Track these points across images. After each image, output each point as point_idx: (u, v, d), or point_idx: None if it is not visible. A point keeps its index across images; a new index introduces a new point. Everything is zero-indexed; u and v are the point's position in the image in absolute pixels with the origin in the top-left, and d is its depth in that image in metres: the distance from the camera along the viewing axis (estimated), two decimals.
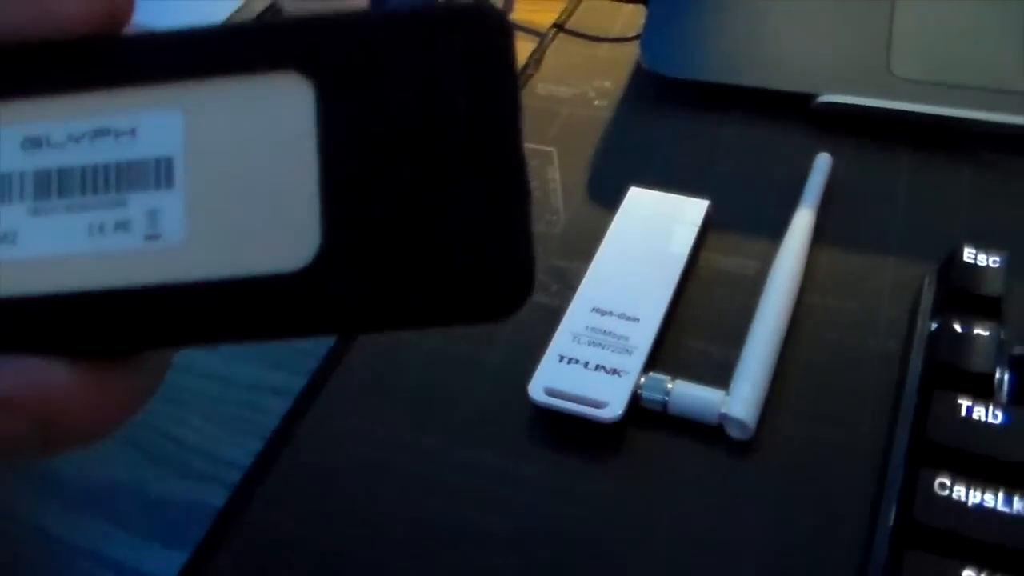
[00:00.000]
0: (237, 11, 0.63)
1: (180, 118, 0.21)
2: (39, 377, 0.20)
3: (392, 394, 0.40)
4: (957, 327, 0.34)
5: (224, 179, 0.21)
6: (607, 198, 0.47)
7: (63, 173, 0.21)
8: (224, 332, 0.20)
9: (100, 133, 0.21)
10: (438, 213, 0.20)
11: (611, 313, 0.40)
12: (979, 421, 0.32)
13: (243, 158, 0.21)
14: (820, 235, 0.44)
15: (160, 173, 0.21)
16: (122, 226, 0.21)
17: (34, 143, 0.21)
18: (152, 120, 0.21)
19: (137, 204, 0.21)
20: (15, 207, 0.21)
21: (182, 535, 0.37)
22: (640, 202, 0.45)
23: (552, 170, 0.49)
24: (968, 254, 0.36)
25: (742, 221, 0.45)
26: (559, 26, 0.60)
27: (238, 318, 0.20)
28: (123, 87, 0.21)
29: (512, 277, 0.20)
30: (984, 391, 0.33)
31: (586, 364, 0.38)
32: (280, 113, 0.21)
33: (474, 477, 0.37)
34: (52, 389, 0.20)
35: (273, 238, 0.20)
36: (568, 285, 0.43)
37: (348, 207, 0.20)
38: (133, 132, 0.21)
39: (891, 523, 0.32)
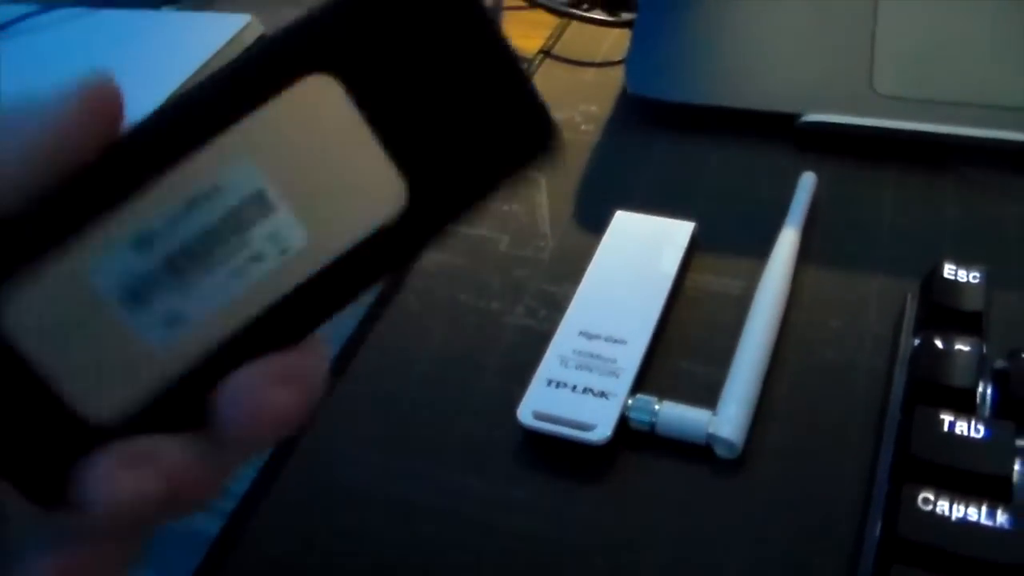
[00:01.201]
0: (228, 43, 0.64)
1: (247, 157, 0.23)
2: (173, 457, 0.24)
3: (383, 420, 0.40)
4: (938, 343, 0.35)
5: (312, 181, 0.24)
6: (594, 222, 0.47)
7: (184, 249, 0.23)
8: (360, 282, 0.25)
9: (192, 204, 0.23)
10: (473, 118, 0.24)
11: (599, 336, 0.40)
12: (961, 436, 0.32)
13: (316, 159, 0.24)
14: (805, 254, 0.44)
15: (259, 205, 0.24)
16: (256, 258, 0.24)
17: (144, 242, 0.23)
18: (226, 171, 0.23)
19: (258, 236, 0.24)
20: (166, 295, 0.24)
21: (177, 564, 0.37)
22: (626, 225, 0.45)
23: (540, 196, 0.50)
24: (948, 270, 0.37)
25: (728, 242, 0.46)
26: (546, 52, 0.60)
27: (368, 268, 0.25)
28: (183, 159, 0.23)
29: (540, 124, 0.25)
30: (967, 406, 0.33)
31: (574, 387, 0.39)
32: (323, 111, 0.24)
33: (464, 501, 0.37)
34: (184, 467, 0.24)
35: (372, 202, 0.24)
36: (557, 309, 0.43)
37: (412, 153, 0.24)
38: (217, 189, 0.23)
39: (876, 538, 0.32)
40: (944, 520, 0.30)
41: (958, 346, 0.34)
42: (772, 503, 0.36)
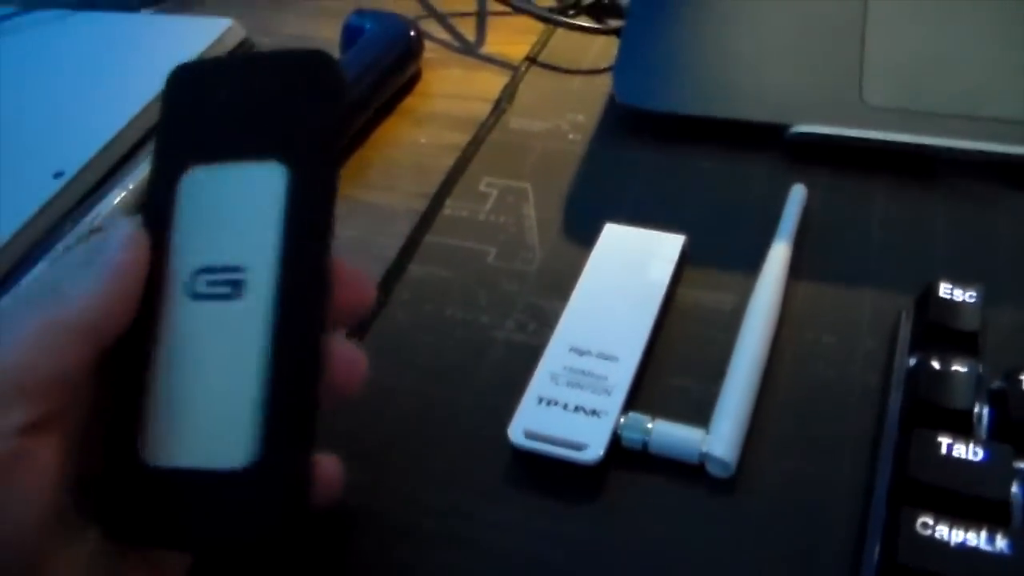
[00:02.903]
0: (210, 47, 0.63)
1: None
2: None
3: (368, 438, 0.40)
4: (935, 364, 0.34)
5: None
6: (583, 234, 0.46)
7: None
8: None
9: None
10: None
11: (589, 352, 0.40)
12: (959, 459, 0.32)
13: None
14: (796, 267, 0.43)
15: None
16: None
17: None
18: None
19: None
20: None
21: None
22: (616, 239, 0.45)
23: (527, 206, 0.49)
24: (944, 289, 0.36)
25: (718, 255, 0.45)
26: (531, 59, 0.60)
27: None
28: None
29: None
30: (964, 427, 0.33)
31: (565, 405, 0.38)
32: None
33: (453, 522, 0.37)
34: None
35: None
36: (545, 323, 0.43)
37: None
38: None
39: (875, 563, 0.32)
40: (944, 545, 0.30)
41: (955, 367, 0.34)
42: (766, 523, 0.35)
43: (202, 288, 0.32)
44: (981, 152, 0.47)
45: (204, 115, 0.35)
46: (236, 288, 0.32)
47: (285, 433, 0.30)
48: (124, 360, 0.32)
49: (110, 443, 0.32)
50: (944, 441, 0.32)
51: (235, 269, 0.32)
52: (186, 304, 0.32)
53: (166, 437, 0.31)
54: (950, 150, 0.47)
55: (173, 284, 0.33)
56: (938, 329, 0.36)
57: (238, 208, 0.33)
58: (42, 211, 0.53)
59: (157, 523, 0.31)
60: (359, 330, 0.44)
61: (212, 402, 0.31)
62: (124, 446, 0.31)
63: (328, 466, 0.32)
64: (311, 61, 0.34)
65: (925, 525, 0.30)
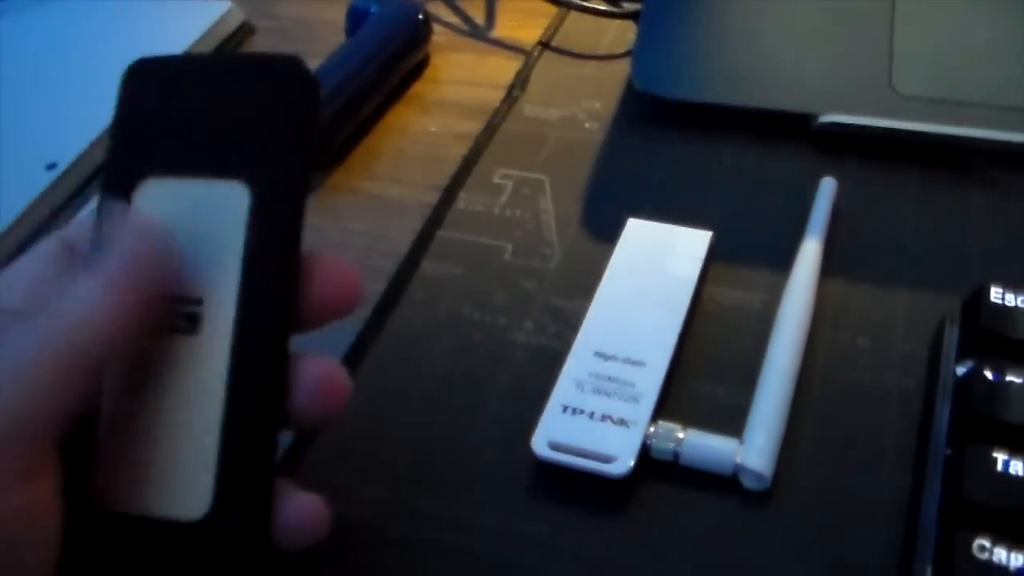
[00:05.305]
0: (208, 31, 0.61)
1: None
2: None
3: (381, 449, 0.38)
4: (989, 374, 0.32)
5: None
6: (603, 229, 0.44)
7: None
8: None
9: None
10: None
11: (615, 358, 0.38)
12: (1016, 476, 0.30)
13: None
14: (826, 264, 0.41)
15: None
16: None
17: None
18: None
19: None
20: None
21: None
22: (640, 235, 0.43)
23: (544, 199, 0.47)
24: (995, 294, 0.34)
25: (744, 251, 0.43)
26: (544, 43, 0.58)
27: None
28: None
29: None
30: (1020, 443, 0.31)
31: (591, 414, 0.36)
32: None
33: (475, 539, 0.35)
34: None
35: None
36: (566, 325, 0.41)
37: None
38: None
39: None
40: (1002, 570, 0.28)
41: (1010, 378, 0.32)
42: (803, 539, 0.34)
43: None
44: (1015, 143, 0.45)
45: (164, 120, 0.32)
46: (193, 323, 0.30)
47: (238, 487, 0.29)
48: None
49: (67, 483, 0.29)
50: (1000, 457, 0.30)
51: (193, 301, 0.30)
52: None
53: (121, 482, 0.30)
54: (985, 141, 0.45)
55: None
56: (990, 336, 0.34)
57: (198, 232, 0.30)
58: (35, 204, 0.52)
59: (111, 573, 0.30)
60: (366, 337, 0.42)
61: (168, 448, 0.30)
62: (80, 486, 0.29)
63: (307, 506, 0.30)
64: (285, 70, 0.31)
65: (982, 548, 0.29)
